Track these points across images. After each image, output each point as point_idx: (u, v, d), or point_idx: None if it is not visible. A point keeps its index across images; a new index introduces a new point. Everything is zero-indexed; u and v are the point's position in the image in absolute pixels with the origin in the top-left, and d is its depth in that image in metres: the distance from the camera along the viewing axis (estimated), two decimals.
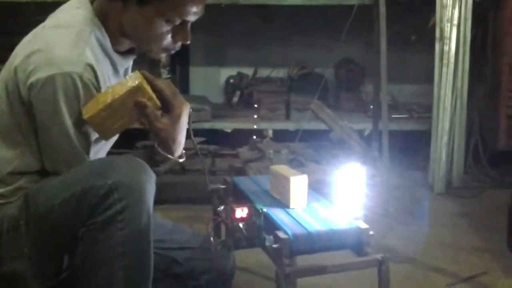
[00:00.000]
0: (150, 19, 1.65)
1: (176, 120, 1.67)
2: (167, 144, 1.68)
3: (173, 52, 1.77)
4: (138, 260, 1.55)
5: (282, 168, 1.79)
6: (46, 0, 3.69)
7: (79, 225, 1.53)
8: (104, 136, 1.65)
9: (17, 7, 3.92)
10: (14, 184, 1.65)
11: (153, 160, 1.66)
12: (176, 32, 1.70)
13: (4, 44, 3.93)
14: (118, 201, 1.50)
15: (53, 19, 1.70)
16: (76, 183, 1.53)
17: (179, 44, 1.74)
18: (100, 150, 1.77)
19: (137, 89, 1.60)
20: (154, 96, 1.63)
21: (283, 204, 1.72)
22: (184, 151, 1.74)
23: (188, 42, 1.72)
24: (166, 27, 1.68)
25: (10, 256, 1.61)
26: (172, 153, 1.69)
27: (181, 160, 1.73)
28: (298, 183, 1.70)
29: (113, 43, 1.71)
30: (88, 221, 1.52)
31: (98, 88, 1.62)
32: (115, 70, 1.75)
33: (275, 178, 1.78)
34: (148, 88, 1.62)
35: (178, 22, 1.68)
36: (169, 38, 1.70)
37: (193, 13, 1.67)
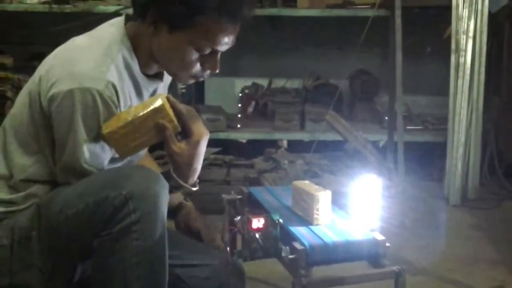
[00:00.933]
0: (180, 46, 1.64)
1: (193, 146, 1.65)
2: (182, 169, 1.67)
3: (201, 80, 1.75)
4: (153, 270, 1.55)
5: (305, 184, 1.75)
6: (64, 10, 3.72)
7: (92, 236, 1.53)
8: (121, 154, 1.65)
9: (35, 17, 3.94)
10: (26, 191, 1.65)
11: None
12: (205, 60, 1.68)
13: (21, 53, 3.98)
14: (133, 211, 1.50)
15: (87, 33, 1.71)
16: (90, 194, 1.53)
17: (208, 72, 1.72)
18: None
19: (159, 111, 1.61)
20: (175, 119, 1.63)
21: (306, 221, 1.67)
22: (197, 180, 1.73)
23: (217, 71, 1.71)
24: (195, 55, 1.66)
25: (20, 267, 1.61)
26: (186, 180, 1.68)
27: (194, 189, 1.72)
28: (323, 199, 1.66)
29: (141, 65, 1.70)
30: (103, 231, 1.52)
31: (118, 107, 1.61)
32: (139, 92, 1.73)
33: (298, 194, 1.74)
34: (170, 111, 1.62)
35: (208, 51, 1.66)
36: (198, 66, 1.68)
37: (224, 43, 1.66)
